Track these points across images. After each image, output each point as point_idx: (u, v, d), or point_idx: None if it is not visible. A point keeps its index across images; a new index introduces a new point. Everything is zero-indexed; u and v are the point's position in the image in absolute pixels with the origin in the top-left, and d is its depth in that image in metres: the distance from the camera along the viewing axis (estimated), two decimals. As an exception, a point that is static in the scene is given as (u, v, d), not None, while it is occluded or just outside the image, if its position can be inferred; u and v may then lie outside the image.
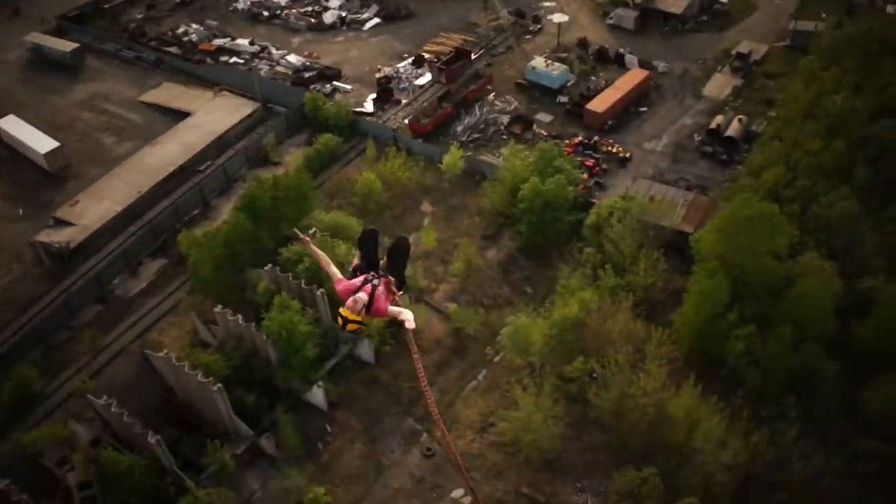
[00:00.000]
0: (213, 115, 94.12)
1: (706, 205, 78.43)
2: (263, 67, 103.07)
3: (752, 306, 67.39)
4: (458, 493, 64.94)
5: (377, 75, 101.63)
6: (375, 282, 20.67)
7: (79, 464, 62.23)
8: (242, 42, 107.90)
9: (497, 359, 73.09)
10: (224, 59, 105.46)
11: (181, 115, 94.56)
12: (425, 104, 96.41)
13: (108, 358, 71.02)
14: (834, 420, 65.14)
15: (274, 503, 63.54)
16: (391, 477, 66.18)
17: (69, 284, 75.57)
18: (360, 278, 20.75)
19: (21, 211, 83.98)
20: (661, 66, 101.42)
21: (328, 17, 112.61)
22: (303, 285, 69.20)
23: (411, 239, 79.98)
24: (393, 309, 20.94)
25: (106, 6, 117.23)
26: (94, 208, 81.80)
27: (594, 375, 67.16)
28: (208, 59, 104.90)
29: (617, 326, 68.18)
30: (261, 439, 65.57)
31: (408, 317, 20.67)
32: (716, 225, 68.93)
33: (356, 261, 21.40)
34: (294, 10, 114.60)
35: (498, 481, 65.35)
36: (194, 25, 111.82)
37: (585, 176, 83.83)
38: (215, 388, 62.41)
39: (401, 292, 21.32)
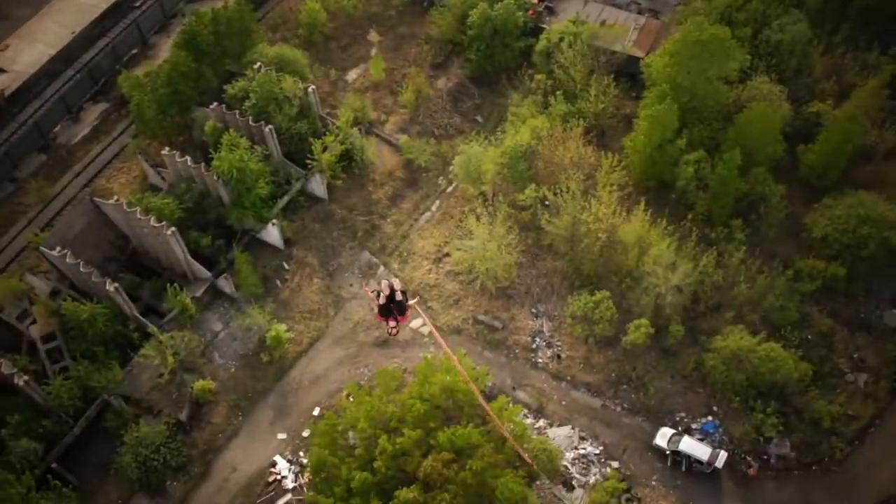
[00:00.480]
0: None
1: (658, 29, 77.08)
2: None
3: (702, 131, 68.16)
4: (416, 322, 66.51)
5: None
6: (392, 319, 40.72)
7: (40, 317, 62.54)
8: None
9: (450, 189, 73.50)
10: None
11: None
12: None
13: (57, 208, 70.24)
14: (779, 242, 67.29)
15: (237, 343, 64.80)
16: (351, 310, 67.54)
17: (9, 135, 72.94)
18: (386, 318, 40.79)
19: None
20: None
21: None
22: (250, 122, 67.95)
23: (359, 72, 78.95)
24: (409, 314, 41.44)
25: None
26: (26, 52, 78.04)
27: (546, 203, 68.09)
28: None
29: (568, 153, 68.59)
30: (219, 280, 66.06)
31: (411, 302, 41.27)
32: (667, 49, 67.91)
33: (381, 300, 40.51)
34: None
35: (455, 310, 67.08)
36: None
37: (535, 0, 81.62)
38: (169, 231, 62.13)
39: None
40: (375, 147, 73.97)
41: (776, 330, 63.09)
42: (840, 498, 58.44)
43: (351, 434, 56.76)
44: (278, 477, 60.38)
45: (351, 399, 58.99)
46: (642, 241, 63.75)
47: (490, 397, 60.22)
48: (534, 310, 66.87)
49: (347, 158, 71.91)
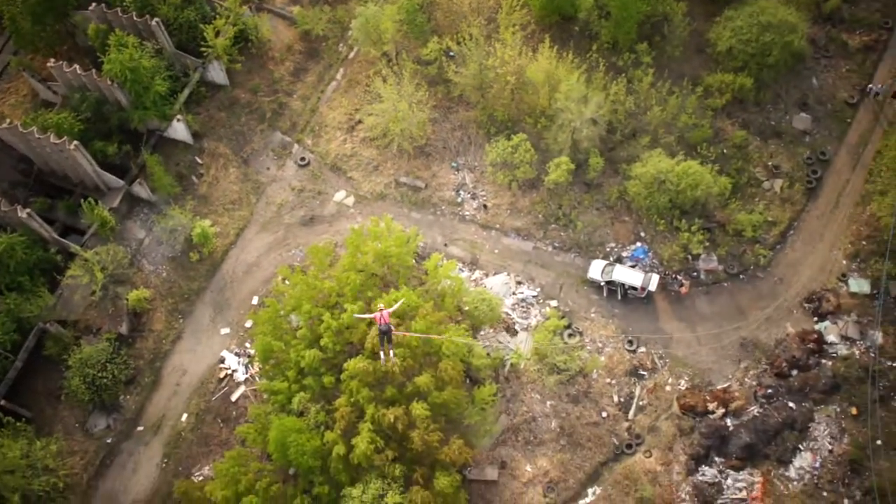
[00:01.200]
0: None
1: None
2: None
3: (596, -42, 66.81)
4: (339, 195, 66.51)
5: None
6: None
7: (-46, 259, 61.17)
8: None
9: (352, 55, 71.79)
10: None
11: None
12: None
13: (-53, 144, 67.47)
14: (685, 61, 67.45)
15: (164, 246, 64.15)
16: (272, 194, 67.05)
17: None
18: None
19: None
20: None
21: None
22: (135, 17, 64.97)
23: None
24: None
25: None
26: None
27: (451, 54, 67.23)
28: None
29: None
30: (133, 187, 64.85)
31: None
32: None
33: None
34: None
35: (376, 176, 66.92)
36: None
37: None
38: (72, 146, 60.40)
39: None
40: (269, 23, 71.46)
41: (692, 149, 64.03)
42: (768, 301, 61.11)
43: (293, 317, 57.23)
44: (229, 371, 61.21)
45: (286, 282, 59.17)
46: (551, 79, 63.35)
47: (423, 257, 61.08)
48: (454, 164, 66.85)
49: (242, 40, 69.57)
